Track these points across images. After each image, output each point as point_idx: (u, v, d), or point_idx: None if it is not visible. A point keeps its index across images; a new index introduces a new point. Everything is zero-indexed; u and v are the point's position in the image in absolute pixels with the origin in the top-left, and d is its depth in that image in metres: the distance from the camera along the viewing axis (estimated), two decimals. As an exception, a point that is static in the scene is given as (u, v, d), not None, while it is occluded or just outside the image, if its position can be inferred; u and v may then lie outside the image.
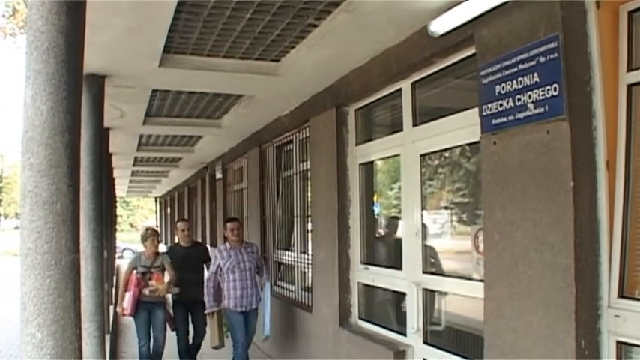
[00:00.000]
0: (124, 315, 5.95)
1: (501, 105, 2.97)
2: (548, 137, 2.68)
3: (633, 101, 2.60)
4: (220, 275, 5.79)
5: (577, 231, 2.54)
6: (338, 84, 5.09)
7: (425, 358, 4.02)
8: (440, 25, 3.35)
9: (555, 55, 2.62)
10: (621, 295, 2.53)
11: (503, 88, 2.96)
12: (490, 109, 3.05)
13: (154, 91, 5.71)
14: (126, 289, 5.82)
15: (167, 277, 5.99)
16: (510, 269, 2.91)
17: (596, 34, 2.62)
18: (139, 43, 3.99)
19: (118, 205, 21.10)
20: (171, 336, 6.17)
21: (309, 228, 6.06)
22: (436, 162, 4.21)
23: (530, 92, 2.77)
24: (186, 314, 6.25)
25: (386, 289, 4.69)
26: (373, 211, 5.16)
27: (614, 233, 2.59)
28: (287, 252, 7.03)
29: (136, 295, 5.75)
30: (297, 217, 6.64)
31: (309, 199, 6.12)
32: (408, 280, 4.19)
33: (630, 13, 2.62)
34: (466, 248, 3.72)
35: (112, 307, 8.28)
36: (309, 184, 6.09)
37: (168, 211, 24.12)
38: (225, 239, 6.06)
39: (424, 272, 4.05)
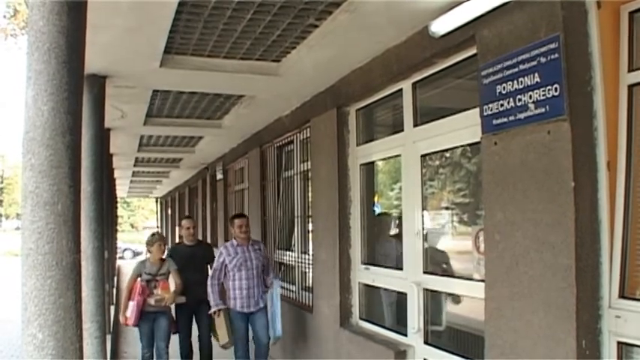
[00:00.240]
0: (126, 325, 5.69)
1: (502, 105, 2.96)
2: (549, 137, 2.68)
3: (634, 101, 2.60)
4: (225, 274, 5.52)
5: (578, 231, 2.54)
6: (339, 84, 5.09)
7: (425, 359, 4.02)
8: (441, 26, 3.35)
9: (556, 55, 2.62)
10: (622, 296, 2.53)
11: (504, 88, 2.96)
12: (491, 110, 3.05)
13: (155, 91, 5.71)
14: (129, 298, 5.51)
15: (172, 285, 5.73)
16: (511, 269, 2.91)
17: (597, 35, 2.62)
18: (139, 44, 3.99)
19: (118, 205, 21.13)
20: (173, 337, 5.95)
21: (310, 228, 6.06)
22: (437, 162, 4.21)
23: (531, 92, 2.77)
24: (190, 316, 6.01)
25: (387, 289, 4.69)
26: (374, 211, 5.16)
27: (615, 233, 2.59)
28: (288, 252, 7.03)
29: (140, 305, 5.47)
30: (297, 217, 6.64)
31: (309, 200, 6.11)
32: (408, 280, 4.19)
33: (631, 14, 2.61)
34: (467, 248, 3.71)
35: (112, 308, 8.29)
36: (309, 184, 6.09)
37: (169, 211, 24.13)
38: (231, 236, 5.78)
39: (425, 272, 4.05)
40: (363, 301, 5.08)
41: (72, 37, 1.95)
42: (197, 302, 5.82)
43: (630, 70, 2.61)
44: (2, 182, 58.18)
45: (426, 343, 4.05)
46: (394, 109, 4.68)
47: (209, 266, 6.02)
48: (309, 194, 6.10)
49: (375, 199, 5.17)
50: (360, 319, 5.06)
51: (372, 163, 5.02)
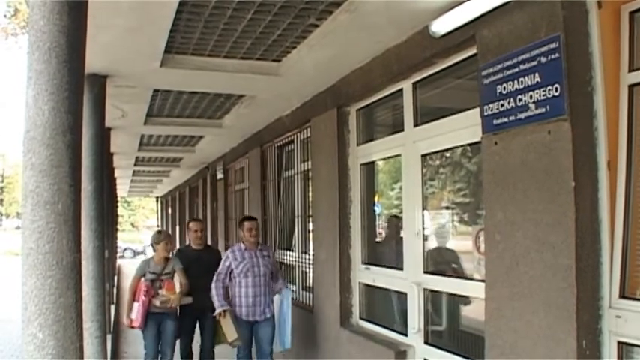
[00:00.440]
0: (132, 327, 5.34)
1: (502, 105, 2.96)
2: (549, 137, 2.68)
3: (634, 101, 2.60)
4: (230, 279, 5.21)
5: (578, 231, 2.54)
6: (339, 84, 5.09)
7: (426, 359, 4.02)
8: (441, 26, 3.35)
9: (556, 55, 2.62)
10: (622, 296, 2.53)
11: (504, 88, 2.96)
12: (491, 110, 3.05)
13: (156, 91, 5.71)
14: (134, 299, 5.23)
15: (177, 284, 5.44)
16: (511, 269, 2.91)
17: (597, 35, 2.62)
18: (140, 43, 3.99)
19: (119, 204, 21.13)
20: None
21: (310, 228, 6.06)
22: (437, 162, 4.21)
23: (531, 92, 2.77)
24: (194, 324, 5.69)
25: (387, 289, 4.69)
26: (374, 211, 5.16)
27: (616, 233, 2.59)
28: (288, 252, 7.03)
29: (145, 305, 5.17)
30: (298, 217, 6.64)
31: (310, 199, 6.12)
32: (409, 280, 4.19)
33: (632, 14, 2.62)
34: (467, 248, 3.72)
35: (113, 307, 8.29)
36: (310, 184, 6.09)
37: (170, 211, 24.14)
38: (239, 239, 5.55)
39: (425, 272, 4.05)
40: (363, 301, 5.08)
41: (72, 36, 1.95)
42: (202, 309, 5.47)
43: (631, 69, 2.61)
44: (3, 181, 58.22)
45: (426, 343, 4.05)
46: (394, 108, 4.68)
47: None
48: (310, 194, 6.10)
49: (376, 199, 5.17)
50: (361, 318, 5.06)
51: (373, 163, 5.02)
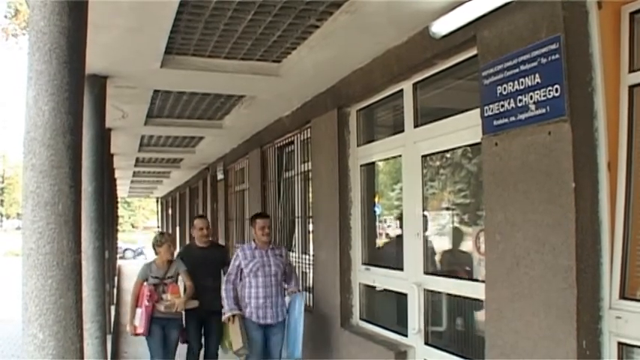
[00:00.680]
0: (136, 335, 5.05)
1: (503, 106, 2.96)
2: (549, 138, 2.68)
3: (635, 102, 2.60)
4: (240, 279, 4.88)
5: (578, 232, 2.54)
6: (339, 85, 5.09)
7: (426, 359, 4.02)
8: (441, 26, 3.35)
9: (557, 55, 2.62)
10: (623, 297, 2.53)
11: (504, 89, 2.96)
12: (492, 110, 3.05)
13: (156, 91, 5.71)
14: (137, 305, 4.96)
15: (182, 288, 5.24)
16: (511, 270, 2.91)
17: (597, 35, 2.62)
18: (140, 44, 4.00)
19: (119, 205, 21.13)
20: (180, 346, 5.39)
21: (311, 229, 6.06)
22: (437, 163, 4.21)
23: (531, 93, 2.77)
24: (200, 327, 5.34)
25: (387, 290, 4.69)
26: (374, 211, 5.15)
27: (616, 234, 2.58)
28: (288, 252, 7.02)
29: (149, 311, 4.91)
30: (298, 217, 6.64)
31: (310, 200, 6.12)
32: (409, 280, 4.18)
33: (632, 14, 2.61)
34: (467, 249, 3.72)
35: (113, 308, 8.29)
36: (310, 184, 6.09)
37: (170, 211, 24.14)
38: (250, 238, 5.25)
39: (425, 273, 4.05)
40: (363, 302, 5.08)
41: (73, 37, 1.95)
42: (208, 312, 5.18)
43: (631, 70, 2.61)
44: (3, 182, 58.23)
45: (426, 343, 4.05)
46: (395, 109, 4.68)
47: (223, 271, 5.41)
48: (310, 195, 6.10)
49: (376, 199, 5.17)
50: (361, 319, 5.06)
51: (373, 163, 5.02)
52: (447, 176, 4.17)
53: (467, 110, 3.52)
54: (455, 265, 4.07)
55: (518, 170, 2.88)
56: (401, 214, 4.41)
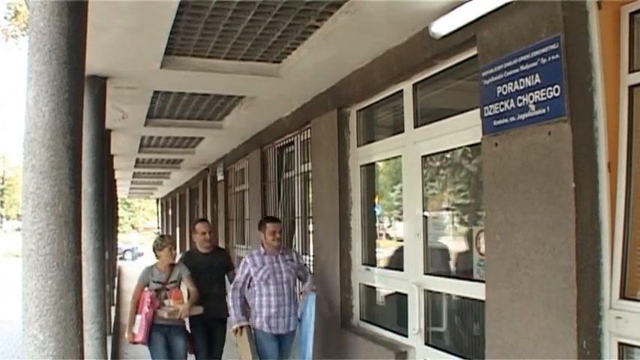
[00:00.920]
0: (134, 343, 4.78)
1: (503, 106, 2.96)
2: (549, 138, 2.68)
3: (635, 102, 2.60)
4: (249, 287, 4.59)
5: (578, 232, 2.54)
6: (339, 85, 5.09)
7: (426, 359, 4.03)
8: (441, 27, 3.35)
9: (557, 56, 2.62)
10: (623, 297, 2.53)
11: (504, 89, 2.96)
12: (492, 111, 3.05)
13: (156, 92, 5.71)
14: (136, 311, 4.69)
15: (185, 293, 4.97)
16: (512, 270, 2.91)
17: (597, 35, 2.62)
18: (140, 44, 4.00)
19: (119, 206, 21.13)
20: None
21: (311, 229, 6.06)
22: (437, 163, 4.21)
23: (531, 93, 2.77)
24: (206, 336, 5.08)
25: (387, 290, 4.69)
26: (374, 212, 5.15)
27: (616, 234, 2.58)
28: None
29: (149, 319, 4.65)
30: (298, 218, 6.64)
31: (310, 201, 6.12)
32: (409, 281, 4.18)
33: (632, 14, 2.62)
34: (467, 249, 3.71)
35: (113, 309, 8.29)
36: (310, 185, 6.09)
37: (170, 212, 24.14)
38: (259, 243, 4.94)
39: (425, 273, 4.05)
40: (363, 302, 5.08)
41: (73, 38, 1.95)
42: (214, 320, 5.02)
43: (631, 71, 2.61)
44: (3, 183, 58.24)
45: (426, 344, 4.05)
46: (395, 110, 4.68)
47: (228, 276, 5.24)
48: (310, 195, 6.10)
49: (376, 200, 5.17)
50: (361, 319, 5.06)
51: (373, 164, 5.02)
52: (447, 176, 4.17)
53: (467, 110, 3.52)
54: (455, 265, 4.07)
55: (518, 170, 2.88)
56: (401, 215, 4.41)
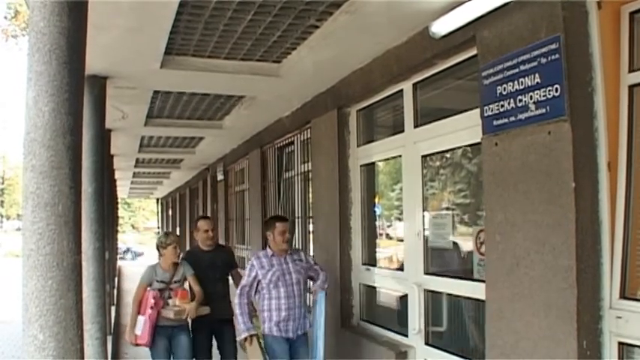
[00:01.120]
0: (137, 345, 4.54)
1: (503, 106, 2.96)
2: (549, 138, 2.68)
3: (635, 102, 2.60)
4: (257, 291, 4.35)
5: (578, 232, 2.54)
6: (339, 85, 5.10)
7: (426, 359, 4.02)
8: (441, 27, 3.35)
9: (557, 55, 2.62)
10: (623, 297, 2.53)
11: (504, 89, 2.96)
12: (491, 110, 3.05)
13: (156, 92, 5.72)
14: (139, 312, 4.47)
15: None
16: (512, 270, 2.91)
17: (597, 35, 2.62)
18: (140, 44, 4.00)
19: (119, 206, 21.14)
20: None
21: (311, 229, 6.06)
22: (437, 163, 4.21)
23: (531, 93, 2.77)
24: (210, 338, 4.85)
25: (388, 291, 4.69)
26: (374, 212, 5.16)
27: (616, 234, 2.58)
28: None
29: (153, 320, 4.42)
30: (298, 218, 6.64)
31: (310, 201, 6.12)
32: (409, 281, 4.18)
33: (632, 14, 2.62)
34: (467, 249, 3.71)
35: (113, 309, 8.29)
36: (310, 185, 6.09)
37: (170, 212, 24.14)
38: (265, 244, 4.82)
39: (425, 273, 4.05)
40: (363, 302, 5.08)
41: (73, 38, 1.95)
42: (219, 321, 4.76)
43: (631, 70, 2.61)
44: (3, 183, 58.24)
45: (426, 344, 4.05)
46: (395, 109, 4.68)
47: (231, 275, 5.05)
48: (310, 195, 6.10)
49: (376, 199, 5.17)
50: (361, 319, 5.06)
51: (373, 163, 5.02)
52: (447, 176, 4.17)
53: (467, 110, 3.52)
54: (455, 265, 4.07)
55: (518, 170, 2.88)
56: (401, 215, 4.42)
